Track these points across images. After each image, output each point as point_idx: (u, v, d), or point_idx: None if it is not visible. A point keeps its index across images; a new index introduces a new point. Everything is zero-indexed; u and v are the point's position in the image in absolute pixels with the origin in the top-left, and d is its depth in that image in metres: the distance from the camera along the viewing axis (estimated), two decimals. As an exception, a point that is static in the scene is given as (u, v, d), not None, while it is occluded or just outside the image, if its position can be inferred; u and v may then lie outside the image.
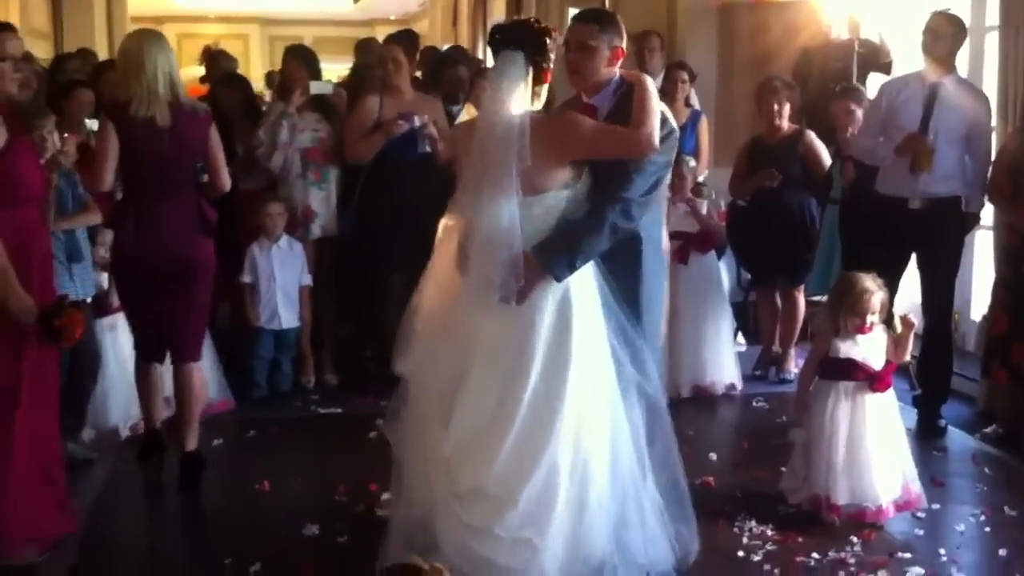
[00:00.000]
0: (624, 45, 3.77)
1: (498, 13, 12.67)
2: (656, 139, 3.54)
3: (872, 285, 4.26)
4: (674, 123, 3.75)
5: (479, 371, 3.52)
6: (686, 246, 5.99)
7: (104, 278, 5.11)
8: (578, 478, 3.48)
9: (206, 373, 5.50)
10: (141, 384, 4.78)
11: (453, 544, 3.45)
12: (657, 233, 3.88)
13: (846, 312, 4.25)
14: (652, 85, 3.64)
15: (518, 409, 3.45)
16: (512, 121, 3.45)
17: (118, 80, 4.58)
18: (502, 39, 3.60)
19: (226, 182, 4.68)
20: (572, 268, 3.52)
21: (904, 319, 4.38)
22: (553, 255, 3.49)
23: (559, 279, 3.50)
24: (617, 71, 3.75)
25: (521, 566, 3.41)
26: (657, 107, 3.59)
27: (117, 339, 5.18)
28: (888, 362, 4.32)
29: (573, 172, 3.58)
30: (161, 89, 4.37)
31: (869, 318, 4.24)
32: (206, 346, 5.60)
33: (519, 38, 3.58)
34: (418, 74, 6.76)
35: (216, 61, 7.64)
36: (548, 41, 3.60)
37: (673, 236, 5.99)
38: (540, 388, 3.47)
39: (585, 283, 3.59)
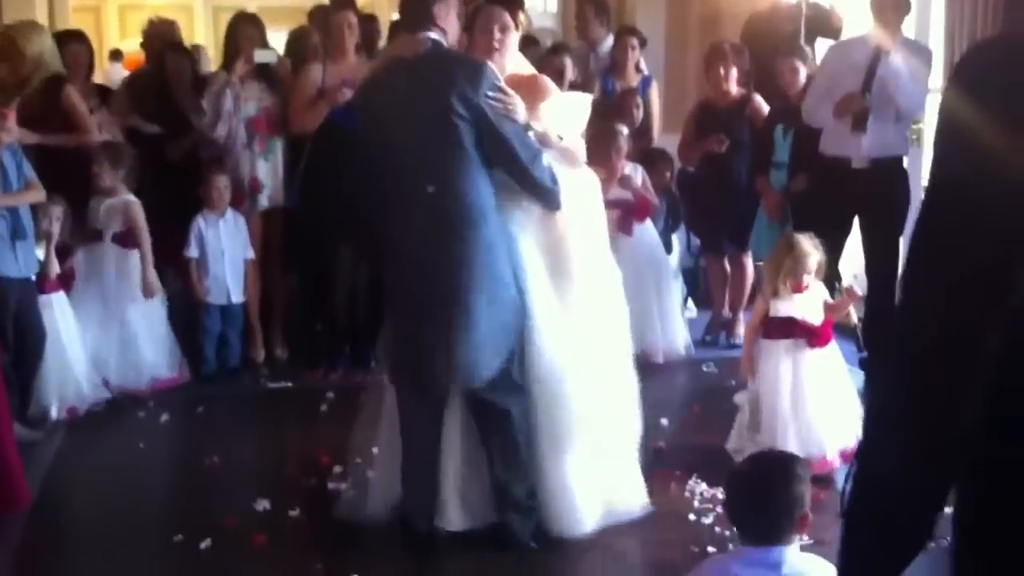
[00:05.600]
0: None
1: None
2: None
3: (808, 246, 4.41)
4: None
5: None
6: (626, 216, 5.97)
7: (41, 253, 5.02)
8: None
9: (162, 348, 5.59)
10: None
11: None
12: (491, 217, 3.68)
13: (785, 272, 4.39)
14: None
15: None
16: None
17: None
18: None
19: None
20: None
21: (849, 290, 4.58)
22: None
23: None
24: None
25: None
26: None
27: (52, 317, 5.09)
28: (826, 319, 4.44)
29: None
30: None
31: (806, 278, 4.40)
32: (162, 321, 5.61)
33: None
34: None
35: (157, 29, 7.51)
36: None
37: (613, 205, 6.02)
38: None
39: None
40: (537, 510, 3.81)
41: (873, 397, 1.99)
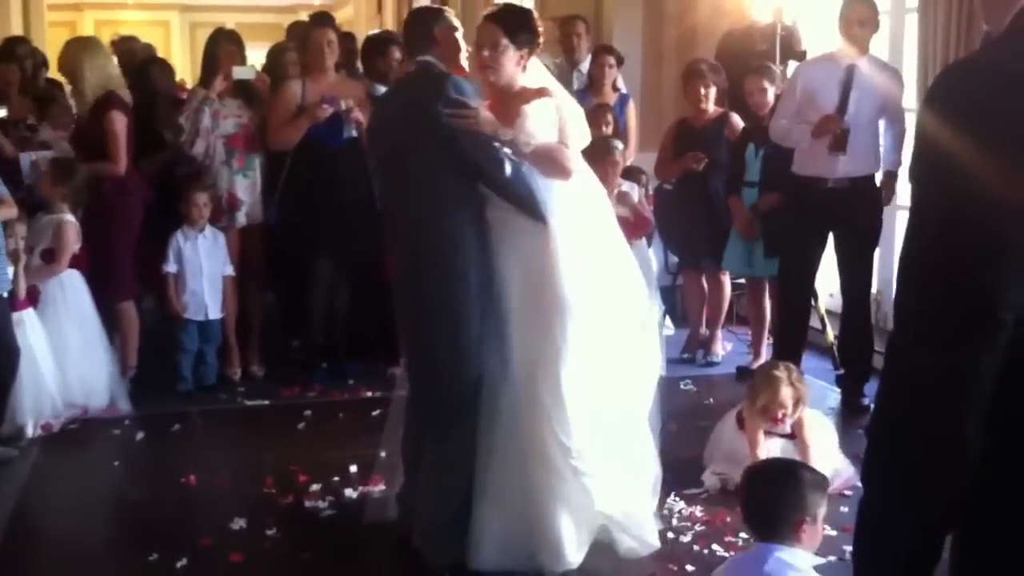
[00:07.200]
0: None
1: (423, -1, 12.57)
2: None
3: (782, 376, 4.34)
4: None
5: None
6: (624, 233, 5.93)
7: (12, 271, 4.98)
8: None
9: (101, 378, 5.47)
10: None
11: None
12: (474, 241, 3.64)
13: (758, 412, 4.37)
14: None
15: None
16: None
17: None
18: None
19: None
20: None
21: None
22: None
23: None
24: None
25: None
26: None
27: (24, 334, 5.02)
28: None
29: None
30: None
31: (780, 412, 4.33)
32: (103, 349, 5.52)
33: None
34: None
35: (128, 46, 7.52)
36: None
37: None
38: None
39: None
40: (459, 543, 3.65)
41: (873, 422, 1.99)
